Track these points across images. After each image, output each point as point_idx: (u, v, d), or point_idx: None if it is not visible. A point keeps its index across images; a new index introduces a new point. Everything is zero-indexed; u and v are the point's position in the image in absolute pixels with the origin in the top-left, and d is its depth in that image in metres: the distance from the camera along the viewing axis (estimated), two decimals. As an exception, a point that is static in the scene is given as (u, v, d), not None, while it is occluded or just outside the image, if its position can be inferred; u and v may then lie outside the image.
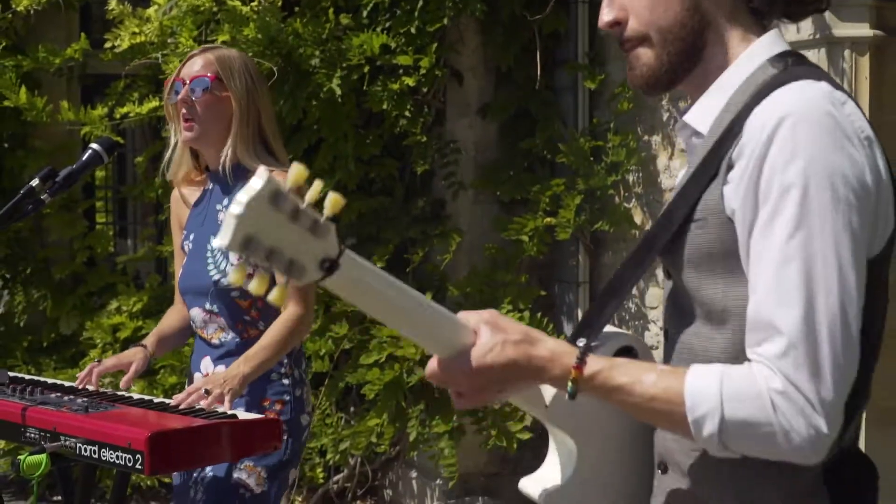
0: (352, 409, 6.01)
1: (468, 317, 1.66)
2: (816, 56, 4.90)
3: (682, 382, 1.57)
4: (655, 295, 5.63)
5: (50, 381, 3.46)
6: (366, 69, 5.54)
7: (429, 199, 5.97)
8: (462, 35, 5.84)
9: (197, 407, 2.94)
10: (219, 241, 1.40)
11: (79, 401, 2.99)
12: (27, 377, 3.54)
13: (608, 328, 1.81)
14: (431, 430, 5.61)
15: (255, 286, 1.44)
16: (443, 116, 5.97)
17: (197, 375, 3.34)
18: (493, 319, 1.65)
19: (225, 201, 3.29)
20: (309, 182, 1.46)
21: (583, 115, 5.93)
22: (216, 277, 3.23)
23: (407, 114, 5.63)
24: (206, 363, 3.33)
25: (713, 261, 1.66)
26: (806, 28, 4.72)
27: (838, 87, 1.66)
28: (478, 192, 5.97)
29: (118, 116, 5.81)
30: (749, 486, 1.65)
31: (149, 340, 3.39)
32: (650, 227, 1.74)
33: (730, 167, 1.63)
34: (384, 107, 5.58)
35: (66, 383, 3.38)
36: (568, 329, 6.03)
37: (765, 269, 1.56)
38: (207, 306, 3.28)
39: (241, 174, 3.25)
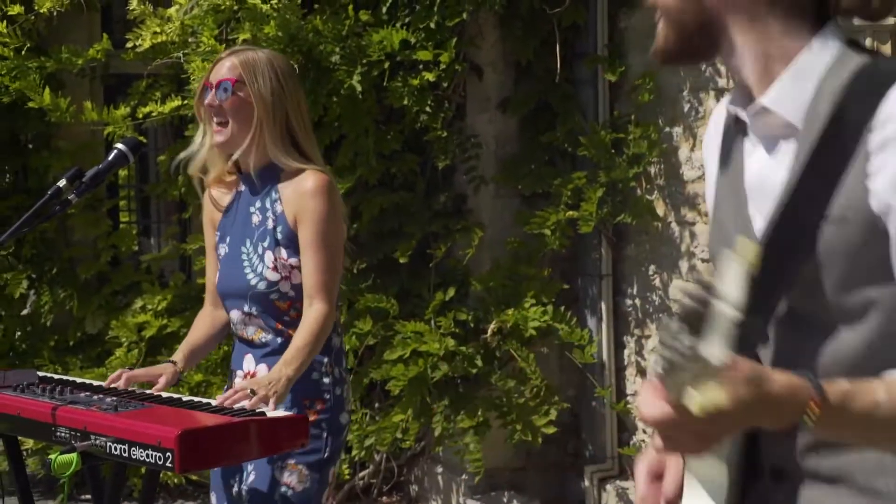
0: (376, 405, 6.03)
1: None
2: (838, 45, 4.90)
3: None
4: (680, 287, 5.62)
5: (79, 380, 3.48)
6: (386, 65, 5.55)
7: (450, 193, 5.98)
8: (481, 29, 5.85)
9: (237, 407, 2.96)
10: (717, 358, 1.37)
11: (108, 400, 3.02)
12: (56, 377, 3.57)
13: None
14: (456, 426, 5.63)
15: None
16: (463, 111, 5.98)
17: (239, 373, 3.38)
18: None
19: (258, 203, 3.32)
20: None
21: (603, 107, 5.93)
22: (254, 281, 3.26)
23: (427, 109, 5.64)
24: (249, 361, 3.35)
25: (853, 261, 1.60)
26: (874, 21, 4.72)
27: None
28: (499, 186, 5.98)
29: (141, 116, 5.84)
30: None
31: (178, 356, 3.41)
32: (772, 237, 1.64)
33: (867, 161, 1.56)
34: (405, 102, 5.59)
35: (95, 382, 3.40)
36: (591, 322, 6.04)
37: None
38: (246, 308, 3.31)
39: (271, 174, 3.29)
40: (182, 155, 3.47)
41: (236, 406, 2.96)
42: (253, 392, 2.98)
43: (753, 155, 1.74)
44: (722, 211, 1.83)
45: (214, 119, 3.29)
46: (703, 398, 1.37)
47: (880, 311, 1.59)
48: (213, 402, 3.01)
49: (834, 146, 1.59)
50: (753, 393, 1.45)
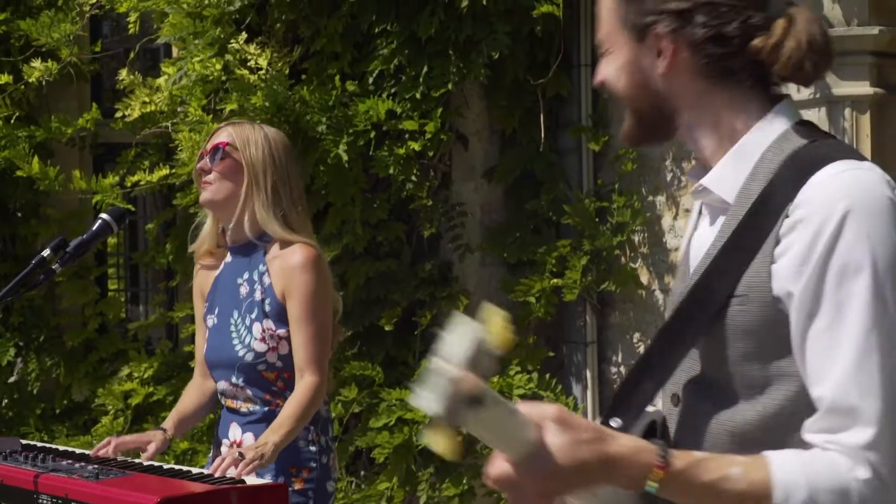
0: (362, 472, 6.02)
1: (530, 411, 1.55)
2: (817, 115, 4.97)
3: (768, 474, 1.55)
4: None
5: (62, 448, 3.49)
6: (372, 134, 5.62)
7: (436, 261, 6.02)
8: (466, 99, 5.93)
9: (228, 474, 2.97)
10: (431, 408, 1.45)
11: (90, 468, 3.02)
12: (39, 444, 3.57)
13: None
14: (441, 494, 5.62)
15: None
16: (449, 180, 6.04)
17: (225, 442, 3.39)
18: (561, 416, 1.54)
19: (245, 274, 3.36)
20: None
21: (587, 176, 5.99)
22: (241, 353, 3.29)
23: (413, 178, 5.70)
24: (235, 429, 3.38)
25: (753, 337, 1.66)
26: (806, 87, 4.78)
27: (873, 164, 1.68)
28: (484, 254, 6.02)
29: (129, 185, 5.89)
30: None
31: (168, 423, 3.45)
32: (682, 301, 1.71)
33: (777, 245, 1.63)
34: (391, 171, 5.65)
35: (78, 450, 3.41)
36: (577, 389, 6.05)
37: (843, 358, 1.56)
38: (234, 379, 3.35)
39: (259, 245, 3.34)
40: (192, 230, 3.54)
41: (223, 473, 2.98)
42: (242, 455, 3.00)
43: (701, 225, 1.83)
44: (677, 276, 1.91)
45: (203, 180, 3.35)
46: (427, 439, 1.47)
47: (778, 389, 1.65)
48: (195, 471, 3.02)
49: (754, 226, 1.65)
50: (592, 453, 1.53)
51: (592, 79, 5.98)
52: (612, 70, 1.80)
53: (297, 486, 3.27)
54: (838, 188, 1.60)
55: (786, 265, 1.62)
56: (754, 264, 1.65)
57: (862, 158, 1.67)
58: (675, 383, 1.78)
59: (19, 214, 6.59)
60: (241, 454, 3.01)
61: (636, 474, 1.54)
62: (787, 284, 1.61)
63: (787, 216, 1.62)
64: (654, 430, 1.74)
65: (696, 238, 1.83)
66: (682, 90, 1.76)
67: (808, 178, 1.62)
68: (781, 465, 1.56)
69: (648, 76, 1.76)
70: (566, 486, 1.56)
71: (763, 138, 1.72)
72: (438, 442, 1.43)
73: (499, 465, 1.55)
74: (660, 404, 1.84)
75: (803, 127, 1.74)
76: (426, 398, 1.40)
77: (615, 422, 1.69)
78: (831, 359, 1.57)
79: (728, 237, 1.69)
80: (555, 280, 5.68)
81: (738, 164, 1.73)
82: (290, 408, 3.20)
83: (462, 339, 1.38)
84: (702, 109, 1.76)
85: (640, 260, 5.86)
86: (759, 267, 1.64)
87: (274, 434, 3.13)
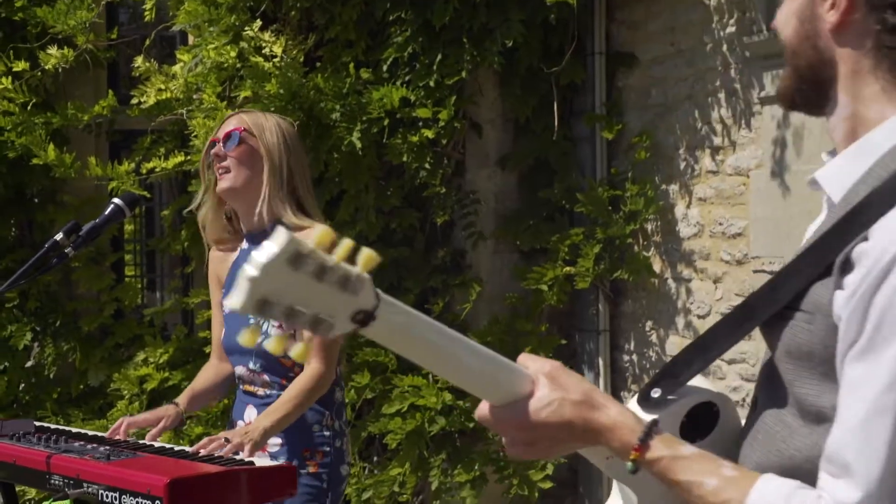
0: (375, 458, 6.06)
1: (528, 363, 1.56)
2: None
3: (745, 498, 1.47)
4: (676, 343, 5.66)
5: (74, 430, 3.53)
6: (386, 122, 5.64)
7: (449, 249, 6.05)
8: (481, 87, 5.95)
9: (216, 454, 3.01)
10: (231, 303, 1.37)
11: (101, 449, 3.06)
12: (53, 426, 3.61)
13: (694, 382, 1.70)
14: (454, 479, 5.65)
15: (271, 346, 1.42)
16: (462, 167, 6.06)
17: (240, 423, 3.41)
18: (554, 373, 1.54)
19: None
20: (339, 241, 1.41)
21: (601, 164, 6.01)
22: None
23: (427, 165, 5.72)
24: (251, 411, 3.40)
25: (812, 360, 1.54)
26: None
27: None
28: (497, 241, 6.05)
29: (144, 171, 5.92)
30: None
31: (181, 398, 3.47)
32: (755, 292, 1.61)
33: (845, 268, 1.48)
34: (404, 159, 5.67)
35: (90, 432, 3.45)
36: (589, 377, 6.07)
37: (855, 406, 1.45)
38: (251, 365, 3.37)
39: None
40: (192, 206, 3.53)
41: (207, 453, 3.01)
42: (227, 440, 3.03)
43: (818, 219, 1.70)
44: None
45: (219, 166, 3.33)
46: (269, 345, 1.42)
47: (828, 421, 1.51)
48: (205, 452, 3.06)
49: (838, 238, 1.51)
50: (576, 415, 1.52)
51: (606, 67, 5.99)
52: (784, 14, 1.66)
53: (311, 470, 3.29)
54: None
55: (846, 290, 1.48)
56: (825, 282, 1.51)
57: None
58: (758, 387, 1.71)
59: (36, 201, 6.62)
60: (226, 439, 3.04)
61: (616, 447, 1.54)
62: (841, 310, 1.48)
63: (865, 239, 1.46)
64: (711, 411, 1.70)
65: (808, 232, 1.70)
66: (844, 57, 1.59)
67: None
68: (762, 492, 1.48)
69: (817, 29, 1.60)
70: (548, 440, 1.55)
71: (889, 138, 1.55)
72: (278, 349, 1.41)
73: (482, 407, 1.56)
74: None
75: None
76: (230, 299, 1.38)
77: (655, 392, 1.65)
78: (849, 400, 1.45)
79: (815, 242, 1.56)
80: (567, 268, 5.70)
81: (855, 161, 1.57)
82: (290, 392, 3.22)
83: (272, 245, 1.35)
84: (854, 84, 1.59)
85: (652, 248, 5.87)
86: (827, 286, 1.51)
87: (266, 418, 3.15)
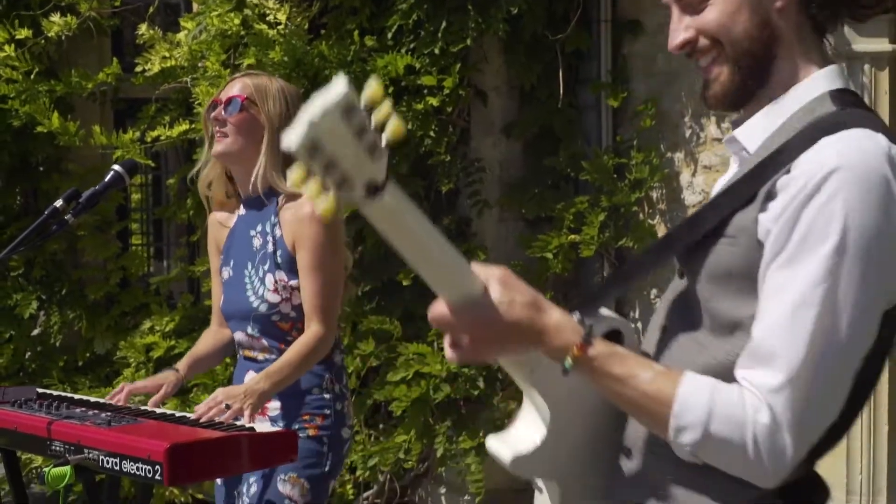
0: (380, 425, 6.07)
1: (480, 269, 1.64)
2: (837, 71, 4.94)
3: (675, 388, 1.62)
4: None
5: (76, 396, 3.55)
6: (390, 90, 5.62)
7: (454, 217, 6.04)
8: (485, 55, 5.92)
9: (217, 420, 3.02)
10: (286, 143, 1.39)
11: (102, 415, 3.08)
12: (55, 393, 3.63)
13: (604, 310, 1.82)
14: (458, 446, 5.67)
15: (311, 190, 1.42)
16: (467, 135, 6.04)
17: None
18: (505, 277, 1.64)
19: (258, 226, 3.37)
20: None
21: (606, 132, 5.99)
22: (255, 304, 3.32)
23: (432, 134, 5.70)
24: (251, 377, 3.39)
25: (731, 278, 1.69)
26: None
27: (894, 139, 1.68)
28: (502, 210, 6.04)
29: (149, 140, 5.91)
30: (712, 486, 1.70)
31: (182, 364, 3.48)
32: (674, 227, 1.79)
33: (770, 196, 1.65)
34: (409, 127, 5.65)
35: (92, 398, 3.46)
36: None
37: (782, 303, 1.60)
38: (249, 330, 3.38)
39: (270, 198, 3.34)
40: (191, 173, 3.53)
41: (206, 420, 3.02)
42: (227, 407, 3.04)
43: (731, 169, 1.86)
44: None
45: (217, 129, 3.33)
46: (308, 192, 1.43)
47: (746, 335, 1.67)
48: (192, 416, 3.07)
49: (757, 175, 1.68)
50: (525, 316, 1.62)
51: (612, 34, 5.95)
52: (716, 15, 1.74)
53: (311, 433, 3.30)
54: (836, 150, 1.61)
55: (770, 213, 1.64)
56: (748, 210, 1.67)
57: (882, 131, 1.67)
58: (667, 315, 1.85)
59: (41, 169, 6.62)
60: (227, 406, 3.05)
61: (558, 347, 1.65)
62: (769, 226, 1.64)
63: (788, 171, 1.63)
64: (618, 337, 1.80)
65: (717, 185, 1.87)
66: (785, 31, 1.75)
67: (819, 140, 1.63)
68: (691, 384, 1.63)
69: (768, 12, 1.73)
70: (496, 340, 1.64)
71: (800, 99, 1.73)
72: (313, 193, 1.42)
73: (439, 306, 1.63)
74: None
75: (841, 94, 1.73)
76: (287, 137, 1.39)
77: (575, 315, 1.73)
78: (773, 300, 1.62)
79: (735, 180, 1.73)
80: (572, 236, 5.69)
81: (769, 119, 1.74)
82: (288, 355, 3.23)
83: (333, 92, 1.37)
84: (787, 56, 1.75)
85: (657, 216, 5.85)
86: (751, 213, 1.67)
87: (266, 380, 3.17)
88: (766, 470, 1.59)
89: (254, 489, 3.27)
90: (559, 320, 1.65)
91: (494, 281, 1.63)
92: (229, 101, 3.33)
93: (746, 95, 1.77)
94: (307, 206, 3.27)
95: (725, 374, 1.66)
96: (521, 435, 1.81)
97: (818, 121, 1.67)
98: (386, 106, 1.41)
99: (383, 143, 1.41)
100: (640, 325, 6.00)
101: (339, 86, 1.37)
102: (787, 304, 1.59)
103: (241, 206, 3.46)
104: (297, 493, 3.25)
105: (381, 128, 1.40)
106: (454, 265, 1.60)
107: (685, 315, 1.78)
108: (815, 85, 1.73)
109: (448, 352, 1.67)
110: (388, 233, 1.54)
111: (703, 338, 1.74)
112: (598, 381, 1.66)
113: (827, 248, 1.58)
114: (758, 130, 1.75)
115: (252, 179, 3.33)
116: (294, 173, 1.42)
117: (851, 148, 1.61)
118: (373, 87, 1.40)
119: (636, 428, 1.82)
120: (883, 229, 1.59)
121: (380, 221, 1.51)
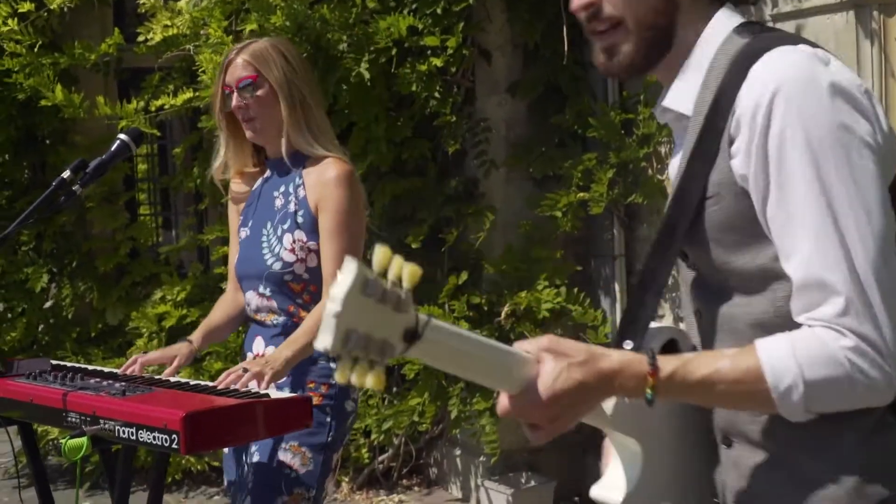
0: (394, 389, 6.08)
1: (527, 346, 1.63)
2: (845, 18, 4.89)
3: (758, 361, 1.60)
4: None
5: (90, 367, 3.55)
6: (394, 52, 5.59)
7: (462, 178, 6.02)
8: (488, 13, 5.88)
9: (233, 387, 3.02)
10: (321, 344, 1.40)
11: (117, 385, 3.08)
12: (69, 364, 3.63)
13: (651, 325, 1.81)
14: (472, 408, 5.67)
15: (359, 378, 1.43)
16: (472, 95, 6.01)
17: (249, 355, 3.44)
18: (552, 345, 1.62)
19: (282, 188, 3.39)
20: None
21: (612, 88, 5.94)
22: (270, 261, 3.33)
23: (436, 94, 5.67)
24: (259, 343, 3.42)
25: (736, 231, 1.70)
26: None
27: (816, 46, 1.70)
28: (510, 169, 6.01)
29: (154, 109, 5.90)
30: (823, 436, 1.68)
31: (195, 335, 3.48)
32: (665, 215, 1.76)
33: (731, 142, 1.67)
34: (413, 88, 5.63)
35: (106, 369, 3.47)
36: (605, 303, 6.07)
37: (798, 236, 1.61)
38: (261, 290, 3.38)
39: (296, 160, 3.37)
40: (208, 173, 3.57)
41: (225, 387, 3.02)
42: (245, 370, 3.04)
43: (676, 148, 1.86)
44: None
45: (243, 119, 3.36)
46: (357, 380, 1.43)
47: (771, 274, 1.68)
48: (221, 386, 3.07)
49: (711, 129, 1.70)
50: (587, 373, 1.60)
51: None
52: None
53: (315, 401, 3.30)
54: (769, 73, 1.64)
55: (739, 156, 1.67)
56: (718, 164, 1.69)
57: (800, 42, 1.70)
58: (696, 301, 1.84)
59: (47, 142, 6.62)
60: (244, 370, 3.05)
61: (632, 385, 1.62)
62: (744, 172, 1.66)
63: (734, 113, 1.66)
64: (675, 346, 1.81)
65: (673, 161, 1.87)
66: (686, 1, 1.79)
67: (748, 72, 1.66)
68: (768, 350, 1.61)
69: None
70: (567, 409, 1.62)
71: (709, 47, 1.77)
72: (363, 380, 1.43)
73: (503, 402, 1.62)
74: (682, 325, 1.87)
75: (744, 27, 1.77)
76: (320, 340, 1.41)
77: (627, 344, 1.74)
78: (790, 236, 1.63)
79: (693, 145, 1.73)
80: (581, 194, 5.66)
81: (689, 77, 1.77)
82: (310, 321, 3.24)
83: (346, 276, 1.40)
84: (685, 22, 1.79)
85: (666, 171, 5.82)
86: (722, 165, 1.69)
87: (288, 349, 3.18)
88: (881, 388, 1.59)
89: (256, 457, 3.28)
90: (621, 359, 1.63)
91: (544, 354, 1.61)
92: (240, 84, 3.34)
93: (649, 65, 1.80)
94: (331, 169, 3.30)
95: (780, 323, 1.66)
96: (620, 475, 1.81)
97: (738, 56, 1.70)
98: (396, 261, 1.43)
99: (404, 294, 1.42)
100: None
101: (349, 269, 1.40)
102: (804, 233, 1.61)
103: (267, 169, 3.47)
104: (298, 462, 3.25)
105: (398, 282, 1.43)
106: (503, 361, 1.60)
107: (712, 290, 1.78)
108: (718, 29, 1.77)
109: (530, 436, 1.66)
110: (435, 362, 1.55)
111: (740, 301, 1.74)
112: (686, 395, 1.65)
113: (805, 165, 1.60)
114: (684, 93, 1.77)
115: (282, 142, 3.36)
116: (338, 373, 1.43)
117: (781, 65, 1.65)
118: (379, 254, 1.43)
119: (725, 413, 1.81)
120: (841, 119, 1.61)
121: (425, 356, 1.53)
